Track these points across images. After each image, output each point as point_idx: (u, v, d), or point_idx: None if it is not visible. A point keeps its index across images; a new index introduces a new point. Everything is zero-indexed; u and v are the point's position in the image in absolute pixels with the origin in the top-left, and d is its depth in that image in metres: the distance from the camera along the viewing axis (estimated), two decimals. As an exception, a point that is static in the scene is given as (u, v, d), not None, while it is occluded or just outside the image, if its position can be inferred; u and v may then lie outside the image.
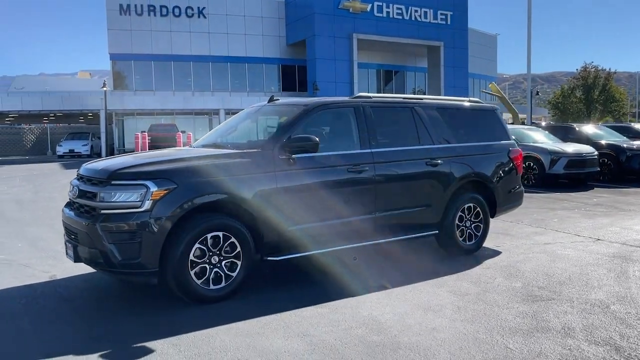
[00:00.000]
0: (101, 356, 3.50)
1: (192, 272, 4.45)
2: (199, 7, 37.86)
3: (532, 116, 39.17)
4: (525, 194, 7.38)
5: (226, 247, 4.64)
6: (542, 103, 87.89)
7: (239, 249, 4.68)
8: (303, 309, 4.44)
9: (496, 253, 6.46)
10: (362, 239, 5.53)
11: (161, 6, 37.08)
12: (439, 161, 6.04)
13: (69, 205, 4.97)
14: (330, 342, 3.74)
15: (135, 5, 36.55)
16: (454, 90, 42.56)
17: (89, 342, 3.75)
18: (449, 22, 42.57)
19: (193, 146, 6.03)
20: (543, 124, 21.39)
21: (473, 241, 6.40)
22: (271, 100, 6.03)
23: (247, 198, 4.69)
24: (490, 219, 6.68)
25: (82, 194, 4.64)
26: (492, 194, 6.59)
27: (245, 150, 5.03)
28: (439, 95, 42.08)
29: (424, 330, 3.95)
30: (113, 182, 4.40)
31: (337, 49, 37.89)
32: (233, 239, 4.65)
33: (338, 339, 3.78)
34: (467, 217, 6.35)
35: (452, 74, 43.16)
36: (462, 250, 6.27)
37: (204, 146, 5.69)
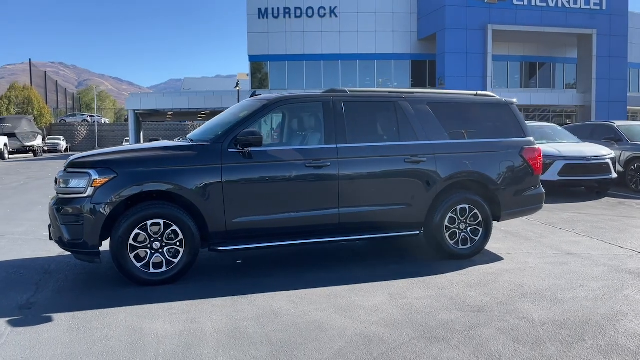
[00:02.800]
0: (8, 322, 4.02)
1: (131, 255, 4.83)
2: (330, 7, 38.88)
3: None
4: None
5: (169, 234, 4.94)
6: None
7: (181, 236, 4.96)
8: (217, 298, 4.58)
9: (496, 258, 5.92)
10: (323, 235, 5.47)
11: (296, 8, 38.79)
12: (422, 158, 5.71)
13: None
14: (208, 329, 3.86)
15: (272, 9, 38.71)
16: (609, 82, 38.41)
17: (15, 309, 4.31)
18: (604, 7, 38.39)
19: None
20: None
21: (468, 245, 5.93)
22: (253, 95, 6.19)
23: (188, 189, 4.94)
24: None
25: (55, 180, 5.28)
26: (494, 195, 6.04)
27: (194, 144, 5.28)
28: (590, 86, 38.23)
29: (306, 325, 3.87)
30: (68, 170, 4.95)
31: (469, 42, 36.32)
32: (175, 227, 4.93)
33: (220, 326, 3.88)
34: (461, 219, 5.90)
35: (607, 65, 38.83)
36: (452, 254, 5.85)
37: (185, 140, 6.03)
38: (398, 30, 39.79)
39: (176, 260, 4.97)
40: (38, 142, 38.59)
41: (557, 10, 37.41)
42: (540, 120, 40.20)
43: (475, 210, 5.93)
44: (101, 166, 4.84)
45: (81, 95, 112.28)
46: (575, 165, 11.00)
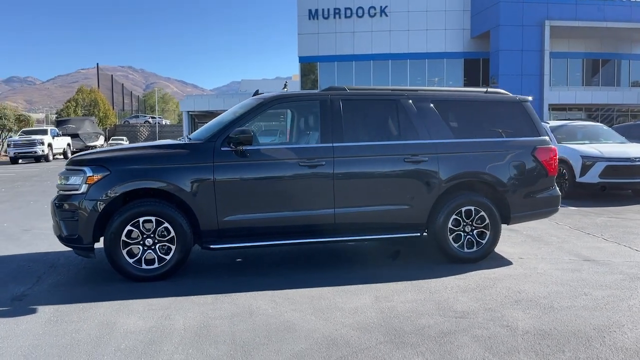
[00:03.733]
0: (-2, 311, 4.21)
1: (124, 251, 4.94)
2: (381, 6, 38.57)
3: None
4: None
5: (162, 231, 5.02)
6: None
7: (172, 234, 5.02)
8: (202, 295, 4.61)
9: (504, 263, 5.65)
10: (318, 235, 5.40)
11: (346, 8, 38.74)
12: (423, 158, 5.52)
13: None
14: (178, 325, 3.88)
15: (323, 10, 38.82)
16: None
17: (7, 300, 4.50)
18: (676, -1, 36.06)
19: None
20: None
21: (474, 249, 5.68)
22: (256, 94, 6.19)
23: (180, 186, 5.00)
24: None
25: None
26: (502, 197, 5.76)
27: (187, 142, 5.34)
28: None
29: (276, 326, 3.83)
30: (67, 167, 5.12)
31: (525, 39, 35.06)
32: (167, 224, 5.00)
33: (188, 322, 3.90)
34: (467, 221, 5.66)
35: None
36: (457, 257, 5.63)
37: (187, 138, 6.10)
38: (450, 29, 38.95)
39: (168, 257, 5.04)
40: (100, 142, 40.41)
41: (621, 5, 35.52)
42: (603, 120, 38.24)
43: (482, 213, 5.68)
44: (95, 164, 4.98)
45: (146, 98, 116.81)
46: (618, 167, 10.33)
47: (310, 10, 38.94)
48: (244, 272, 5.47)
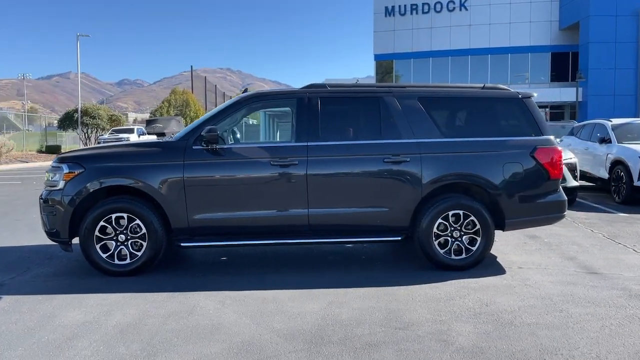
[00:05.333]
0: (-34, 298, 4.50)
1: (97, 246, 5.10)
2: (460, 0, 37.20)
3: None
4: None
5: (135, 228, 5.13)
6: None
7: (144, 230, 5.12)
8: (159, 293, 4.65)
9: (497, 272, 5.22)
10: (292, 236, 5.27)
11: (423, 4, 37.81)
12: (405, 158, 5.22)
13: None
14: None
15: (399, 6, 38.14)
16: None
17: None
18: None
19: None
20: None
21: (463, 256, 5.29)
22: (244, 91, 6.14)
23: (150, 184, 5.08)
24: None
25: (48, 175, 5.75)
26: (495, 201, 5.32)
27: (162, 141, 5.40)
28: None
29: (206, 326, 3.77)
30: (52, 164, 5.37)
31: (619, 30, 32.36)
32: (138, 221, 5.11)
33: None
34: (455, 226, 5.28)
35: None
36: (444, 264, 5.27)
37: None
38: (536, 21, 36.77)
39: (139, 254, 5.14)
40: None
41: None
42: None
43: (472, 217, 5.27)
44: (72, 161, 5.18)
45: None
46: None
47: (386, 7, 38.42)
48: (219, 271, 5.46)
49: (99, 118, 36.43)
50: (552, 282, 4.95)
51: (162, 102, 67.30)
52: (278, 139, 8.29)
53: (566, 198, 5.53)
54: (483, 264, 5.46)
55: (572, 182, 9.34)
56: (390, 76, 39.93)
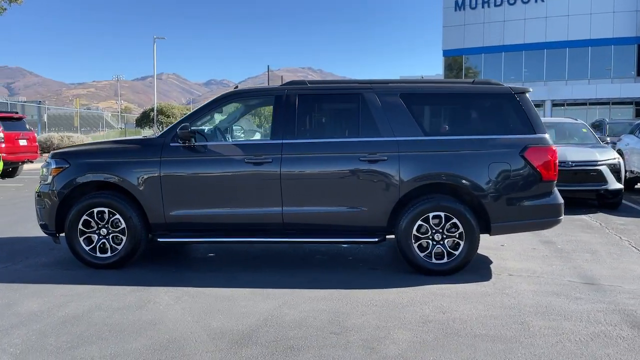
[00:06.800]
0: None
1: (81, 239, 5.30)
2: (537, -8, 35.36)
3: None
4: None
5: (115, 222, 5.28)
6: None
7: (123, 225, 5.26)
8: (125, 286, 4.75)
9: (481, 278, 4.89)
10: (267, 235, 5.22)
11: (496, -3, 36.29)
12: (382, 157, 5.01)
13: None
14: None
15: (470, 0, 36.81)
16: None
17: (-25, 275, 5.13)
18: None
19: None
20: None
21: (444, 260, 5.00)
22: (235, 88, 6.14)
23: (128, 180, 5.20)
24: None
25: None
26: (479, 203, 4.97)
27: (141, 138, 5.51)
28: None
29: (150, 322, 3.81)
30: (47, 160, 5.64)
31: None
32: (118, 216, 5.26)
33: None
34: (436, 228, 5.00)
35: None
36: (424, 269, 5.02)
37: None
38: (620, 11, 34.17)
39: (119, 247, 5.28)
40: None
41: None
42: None
43: (455, 220, 4.97)
44: (60, 157, 5.42)
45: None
46: None
47: (456, 1, 37.26)
48: (196, 267, 5.53)
49: (172, 116, 38.14)
50: (535, 291, 4.56)
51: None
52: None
53: (562, 201, 5.08)
54: (471, 269, 5.15)
55: (615, 185, 8.61)
56: (460, 73, 38.70)
